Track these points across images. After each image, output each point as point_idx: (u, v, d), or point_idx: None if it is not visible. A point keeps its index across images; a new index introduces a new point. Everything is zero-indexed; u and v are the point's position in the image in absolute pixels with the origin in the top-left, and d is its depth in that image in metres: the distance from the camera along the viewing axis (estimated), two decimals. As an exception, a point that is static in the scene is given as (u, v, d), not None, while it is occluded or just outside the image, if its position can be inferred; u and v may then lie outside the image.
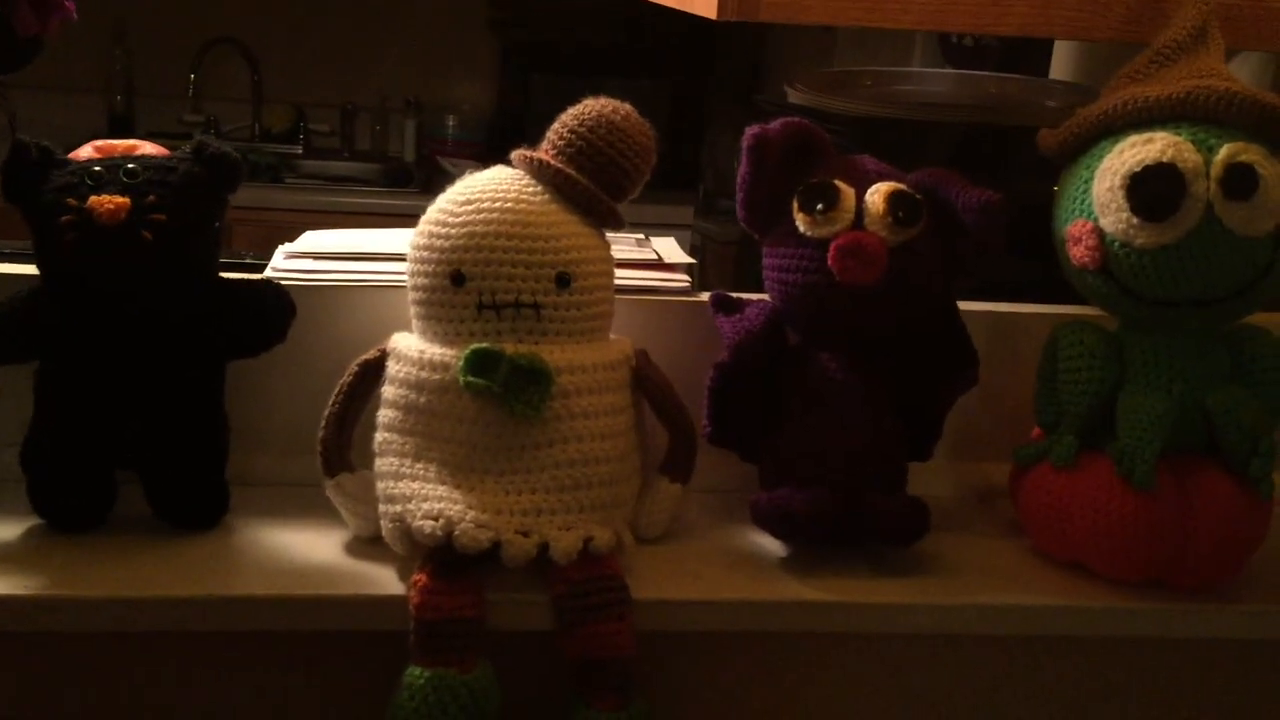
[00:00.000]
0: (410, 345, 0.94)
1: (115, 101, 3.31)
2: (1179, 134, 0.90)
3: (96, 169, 0.91)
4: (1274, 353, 0.95)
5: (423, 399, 0.91)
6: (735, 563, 0.97)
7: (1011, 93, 1.61)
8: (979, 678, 1.07)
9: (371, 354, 0.96)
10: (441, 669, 0.86)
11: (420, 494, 0.89)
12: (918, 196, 0.95)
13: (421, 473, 0.90)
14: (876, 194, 0.94)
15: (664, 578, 0.94)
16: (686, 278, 1.12)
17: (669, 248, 1.18)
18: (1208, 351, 0.95)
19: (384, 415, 0.94)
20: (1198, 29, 0.96)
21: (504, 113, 3.43)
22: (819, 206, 0.94)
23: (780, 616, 0.93)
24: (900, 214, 0.93)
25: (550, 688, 0.91)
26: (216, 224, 0.96)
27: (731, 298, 1.03)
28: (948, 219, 0.95)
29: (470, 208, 0.91)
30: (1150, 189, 0.89)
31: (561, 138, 0.94)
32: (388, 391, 0.94)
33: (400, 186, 3.22)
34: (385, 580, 0.91)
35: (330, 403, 0.96)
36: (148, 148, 0.96)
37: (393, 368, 0.94)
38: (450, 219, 0.92)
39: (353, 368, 0.96)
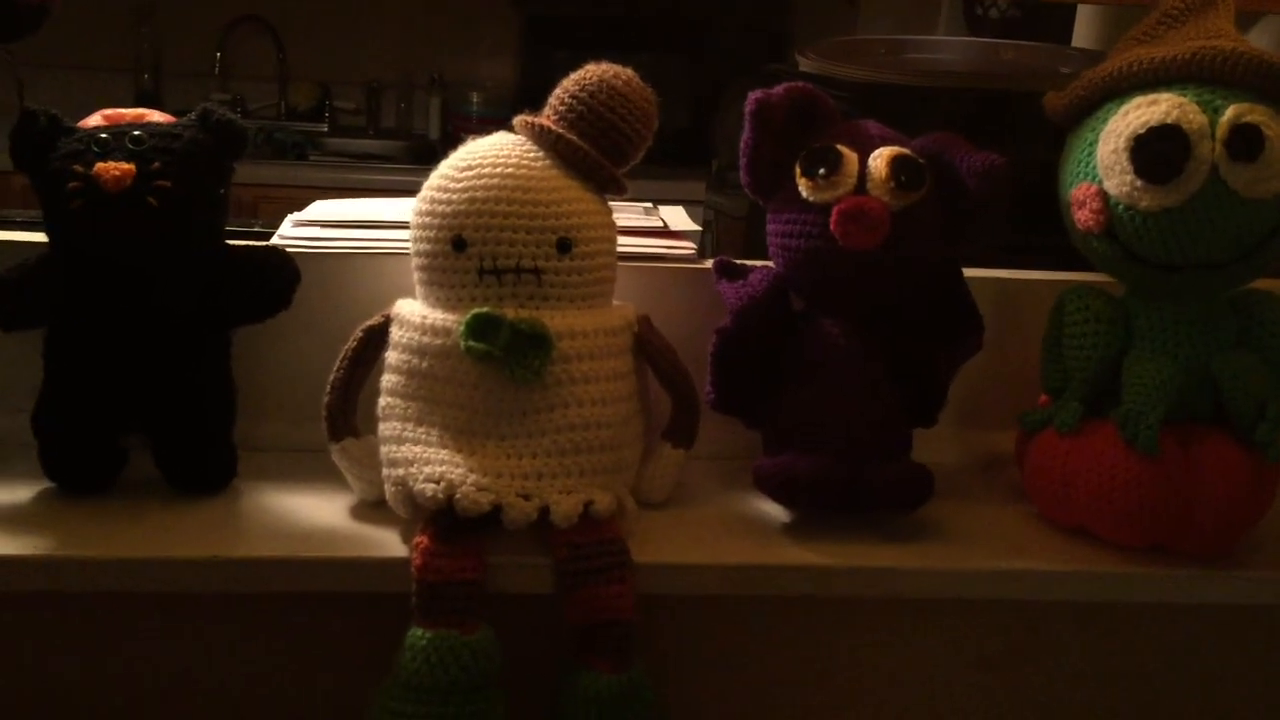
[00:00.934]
0: (413, 311, 0.94)
1: (143, 80, 3.33)
2: (1184, 95, 0.89)
3: (103, 136, 0.91)
4: (1281, 318, 0.94)
5: (425, 364, 0.92)
6: (737, 528, 0.97)
7: (1026, 59, 1.59)
8: (982, 643, 1.07)
9: (375, 320, 0.97)
10: (443, 630, 0.86)
11: (422, 458, 0.89)
12: (921, 161, 0.94)
13: (424, 437, 0.91)
14: (879, 158, 0.93)
15: (665, 542, 0.94)
16: (692, 245, 1.12)
17: (676, 216, 1.18)
18: (1214, 317, 0.94)
19: (387, 380, 0.94)
20: (1206, -10, 0.95)
21: (528, 89, 3.42)
22: (821, 171, 0.93)
23: (782, 580, 0.93)
24: (903, 178, 0.93)
25: (551, 651, 0.91)
26: (222, 191, 0.96)
27: (735, 264, 1.03)
28: (952, 184, 0.94)
29: (471, 173, 0.92)
30: (1154, 150, 0.87)
31: (563, 103, 0.94)
32: (391, 357, 0.94)
33: (425, 164, 3.14)
34: (389, 543, 0.92)
35: (335, 368, 0.97)
36: (155, 116, 0.97)
37: (396, 333, 0.94)
38: (451, 184, 0.92)
39: (357, 334, 0.97)
